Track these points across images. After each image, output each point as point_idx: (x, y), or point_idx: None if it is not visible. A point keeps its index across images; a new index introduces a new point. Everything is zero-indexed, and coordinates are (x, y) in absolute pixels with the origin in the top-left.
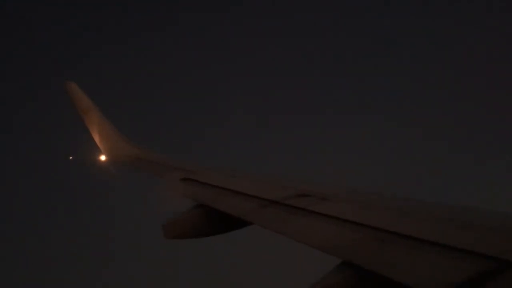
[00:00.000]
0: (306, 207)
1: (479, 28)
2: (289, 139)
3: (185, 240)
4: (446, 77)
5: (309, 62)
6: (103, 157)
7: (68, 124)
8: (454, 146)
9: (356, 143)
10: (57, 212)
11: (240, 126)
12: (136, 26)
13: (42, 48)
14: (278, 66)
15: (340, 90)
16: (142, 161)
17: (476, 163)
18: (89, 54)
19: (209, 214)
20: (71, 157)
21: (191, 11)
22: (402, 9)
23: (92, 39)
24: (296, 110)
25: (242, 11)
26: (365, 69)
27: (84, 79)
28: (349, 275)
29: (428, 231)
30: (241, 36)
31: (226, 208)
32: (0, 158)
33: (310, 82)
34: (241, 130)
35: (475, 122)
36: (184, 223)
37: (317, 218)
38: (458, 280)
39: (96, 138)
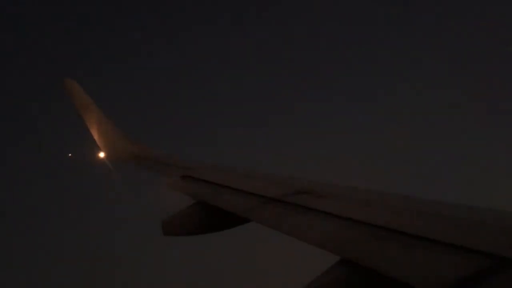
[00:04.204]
0: (305, 204)
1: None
2: (288, 137)
3: (184, 237)
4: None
5: (310, 60)
6: (102, 155)
7: (67, 121)
8: (453, 145)
9: (355, 141)
10: (56, 209)
11: (239, 123)
12: (136, 24)
13: (41, 46)
14: (277, 65)
15: (340, 88)
16: (141, 159)
17: (475, 162)
18: (88, 52)
19: (208, 212)
20: (70, 155)
21: (190, 10)
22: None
23: (92, 37)
24: (296, 109)
25: (240, 11)
26: (365, 67)
27: (82, 77)
28: (347, 272)
29: (427, 229)
30: (240, 34)
31: (225, 206)
32: None
33: (310, 80)
34: (241, 128)
35: (475, 120)
36: (183, 220)
37: (316, 215)
38: (457, 277)
39: (95, 136)
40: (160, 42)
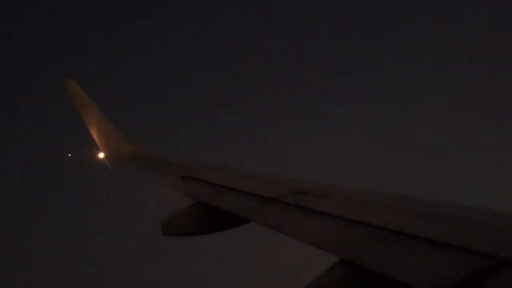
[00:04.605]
0: (304, 204)
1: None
2: (289, 137)
3: (184, 237)
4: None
5: (311, 60)
6: (102, 155)
7: (67, 121)
8: (454, 144)
9: (356, 142)
10: (55, 209)
11: (239, 124)
12: (137, 23)
13: (41, 46)
14: (278, 65)
15: (340, 88)
16: (141, 159)
17: (475, 162)
18: (88, 52)
19: (208, 212)
20: (70, 155)
21: (191, 10)
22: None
23: (92, 37)
24: (296, 109)
25: (239, 11)
26: (366, 66)
27: (82, 77)
28: (347, 273)
29: (427, 229)
30: (240, 34)
31: (225, 206)
32: None
33: (310, 80)
34: (241, 128)
35: (475, 120)
36: (182, 221)
37: (315, 216)
38: (457, 278)
39: (95, 136)
40: (160, 41)
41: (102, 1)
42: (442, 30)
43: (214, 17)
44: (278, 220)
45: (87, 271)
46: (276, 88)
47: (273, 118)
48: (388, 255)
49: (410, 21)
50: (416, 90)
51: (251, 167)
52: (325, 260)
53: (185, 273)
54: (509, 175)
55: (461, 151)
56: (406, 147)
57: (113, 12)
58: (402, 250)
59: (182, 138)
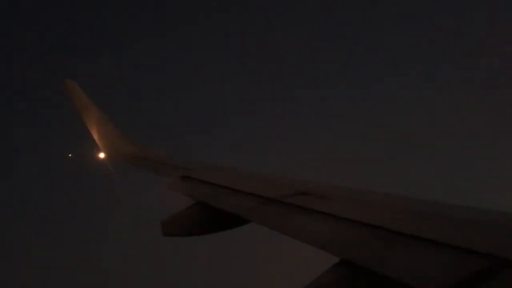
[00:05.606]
0: (305, 205)
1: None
2: (289, 137)
3: (184, 238)
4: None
5: (310, 60)
6: (102, 155)
7: (67, 122)
8: (454, 144)
9: (356, 142)
10: (55, 209)
11: (239, 124)
12: (137, 24)
13: (41, 46)
14: (277, 66)
15: (341, 89)
16: (141, 159)
17: (476, 162)
18: (88, 52)
19: (208, 212)
20: (70, 155)
21: (190, 10)
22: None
23: (91, 37)
24: (296, 109)
25: (239, 11)
26: (366, 66)
27: (82, 77)
28: (347, 273)
29: (427, 229)
30: (239, 34)
31: (225, 206)
32: None
33: (310, 81)
34: (241, 128)
35: (475, 120)
36: (182, 221)
37: (316, 216)
38: (457, 278)
39: (95, 136)
40: (160, 42)
41: (102, 1)
42: (442, 30)
43: (212, 17)
44: (278, 220)
45: (87, 271)
46: (276, 88)
47: (273, 118)
48: (388, 255)
49: (410, 21)
50: (416, 90)
51: (251, 167)
52: (325, 260)
53: (185, 273)
54: (509, 175)
55: (461, 150)
56: (406, 147)
57: (113, 12)
58: (402, 250)
59: (182, 138)
